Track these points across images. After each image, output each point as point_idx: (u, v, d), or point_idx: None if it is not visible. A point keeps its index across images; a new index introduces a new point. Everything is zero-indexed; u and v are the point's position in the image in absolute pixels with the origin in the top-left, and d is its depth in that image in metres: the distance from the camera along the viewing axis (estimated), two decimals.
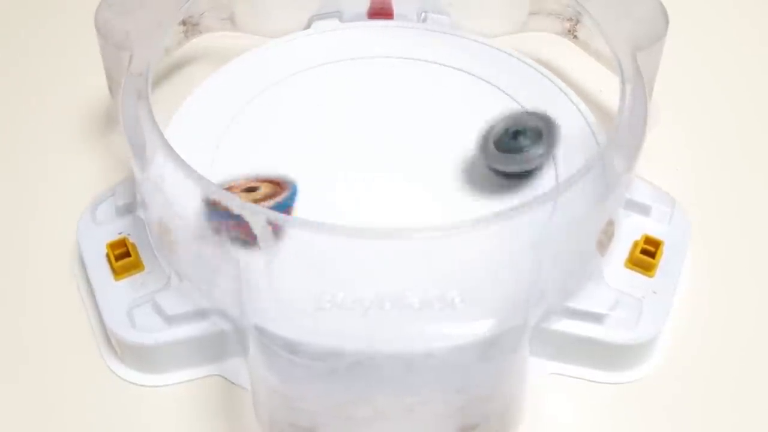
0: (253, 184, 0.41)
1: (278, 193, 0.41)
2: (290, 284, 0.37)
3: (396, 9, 0.52)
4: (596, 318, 0.40)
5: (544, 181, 0.44)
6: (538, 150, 0.42)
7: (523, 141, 0.42)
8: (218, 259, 0.38)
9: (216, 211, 0.37)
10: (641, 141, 0.40)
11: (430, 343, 0.36)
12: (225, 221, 0.37)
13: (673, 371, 0.42)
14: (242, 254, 0.37)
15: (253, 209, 0.36)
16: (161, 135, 0.40)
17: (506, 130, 0.43)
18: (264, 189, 0.41)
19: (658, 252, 0.42)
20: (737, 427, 0.40)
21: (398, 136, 0.46)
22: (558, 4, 0.50)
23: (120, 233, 0.43)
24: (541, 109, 0.43)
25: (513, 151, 0.42)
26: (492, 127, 0.43)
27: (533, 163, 0.43)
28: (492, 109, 0.47)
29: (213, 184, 0.37)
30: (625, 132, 0.40)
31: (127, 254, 0.42)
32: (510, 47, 0.50)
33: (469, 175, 0.44)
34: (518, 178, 0.43)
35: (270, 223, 0.36)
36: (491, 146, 0.43)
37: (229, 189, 0.40)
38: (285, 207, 0.41)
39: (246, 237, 0.36)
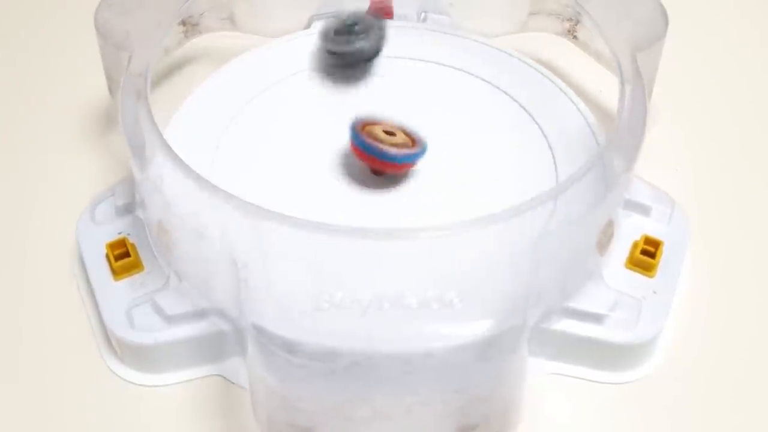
0: (393, 130, 0.43)
1: (411, 146, 0.43)
2: (289, 284, 0.37)
3: (396, 9, 0.52)
4: (596, 318, 0.40)
5: (544, 181, 0.44)
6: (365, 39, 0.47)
7: (355, 30, 0.47)
8: (217, 259, 0.38)
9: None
10: (641, 141, 0.40)
11: (428, 343, 0.36)
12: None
13: (673, 371, 0.42)
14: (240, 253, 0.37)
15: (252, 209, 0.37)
16: (161, 135, 0.40)
17: (343, 22, 0.48)
18: (400, 137, 0.43)
19: (658, 252, 0.42)
20: (737, 427, 0.40)
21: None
22: (558, 4, 0.50)
23: (119, 233, 0.43)
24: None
25: (345, 35, 0.48)
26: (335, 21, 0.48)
27: (357, 46, 0.47)
28: (492, 109, 0.47)
29: None
30: (624, 132, 0.40)
31: (127, 254, 0.42)
32: (510, 47, 0.50)
33: (432, 121, 0.46)
34: (348, 62, 0.48)
35: (263, 217, 0.36)
36: (330, 33, 0.48)
37: (372, 125, 0.43)
38: (413, 159, 0.43)
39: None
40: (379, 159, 0.43)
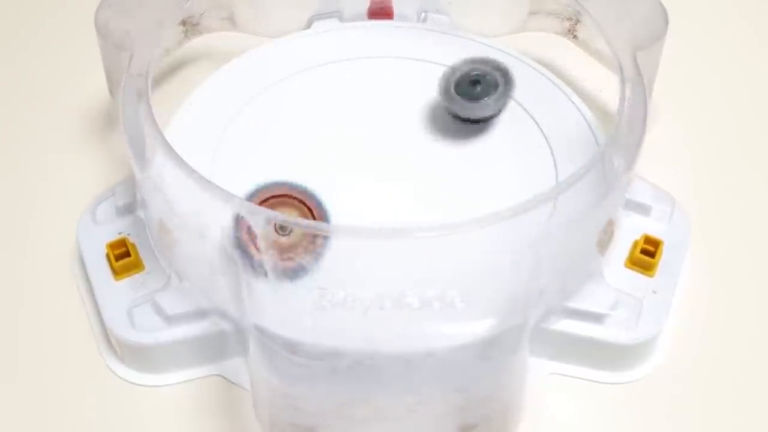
0: (287, 221, 0.36)
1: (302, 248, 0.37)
2: (290, 284, 0.37)
3: (396, 9, 0.52)
4: (596, 318, 0.40)
5: (545, 181, 0.44)
6: (496, 99, 0.45)
7: (481, 89, 0.45)
8: (218, 259, 0.38)
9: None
10: (641, 141, 0.40)
11: (430, 343, 0.36)
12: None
13: (673, 371, 0.42)
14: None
15: (251, 209, 0.36)
16: (161, 135, 0.40)
17: (467, 77, 0.45)
18: (296, 232, 0.37)
19: (658, 252, 0.42)
20: (737, 426, 0.40)
21: (398, 136, 0.46)
22: (558, 4, 0.50)
23: (120, 233, 0.43)
24: (499, 60, 0.46)
25: (472, 98, 0.45)
26: (453, 72, 0.45)
27: (489, 111, 0.45)
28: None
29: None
30: (625, 132, 0.40)
31: (127, 254, 0.42)
32: (510, 47, 0.50)
33: (432, 121, 0.46)
34: (475, 123, 0.46)
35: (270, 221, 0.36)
36: (452, 91, 0.45)
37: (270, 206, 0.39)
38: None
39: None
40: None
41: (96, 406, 0.41)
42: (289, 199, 0.39)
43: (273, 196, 0.39)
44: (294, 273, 0.36)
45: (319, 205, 0.40)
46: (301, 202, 0.40)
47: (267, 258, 0.35)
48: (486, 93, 0.45)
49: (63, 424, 0.40)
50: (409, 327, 0.36)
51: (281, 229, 0.36)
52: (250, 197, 0.39)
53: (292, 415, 0.37)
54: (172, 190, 0.39)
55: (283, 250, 0.36)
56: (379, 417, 0.37)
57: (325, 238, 0.36)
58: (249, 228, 0.36)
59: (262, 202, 0.39)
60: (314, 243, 0.36)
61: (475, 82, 0.45)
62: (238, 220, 0.36)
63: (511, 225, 0.36)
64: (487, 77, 0.45)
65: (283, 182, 0.40)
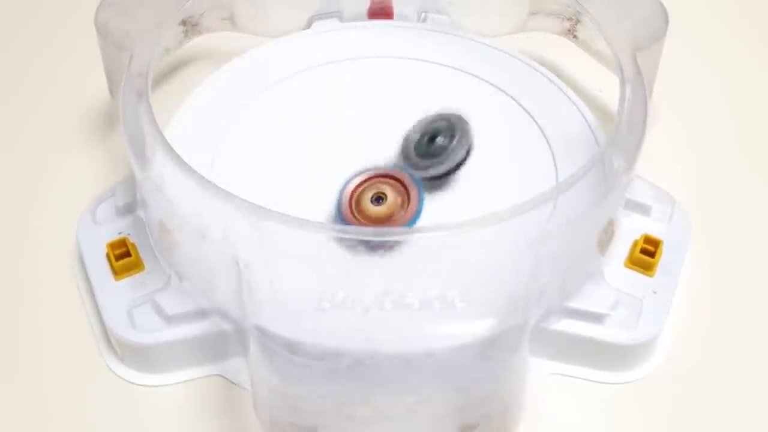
0: (383, 190, 0.41)
1: (401, 213, 0.41)
2: (290, 284, 0.37)
3: (396, 9, 0.52)
4: (596, 318, 0.40)
5: (545, 181, 0.44)
6: (456, 148, 0.43)
7: (440, 143, 0.43)
8: (218, 259, 0.38)
9: None
10: (641, 141, 0.40)
11: (430, 343, 0.36)
12: None
13: (673, 371, 0.42)
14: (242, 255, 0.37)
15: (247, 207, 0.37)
16: (162, 135, 0.40)
17: (422, 137, 0.43)
18: (390, 199, 0.41)
19: (658, 251, 0.42)
20: (737, 426, 0.40)
21: (398, 136, 0.46)
22: (558, 4, 0.50)
23: (120, 233, 0.43)
24: (452, 109, 0.44)
25: (434, 156, 0.43)
26: (408, 138, 0.44)
27: (455, 161, 0.43)
28: (492, 109, 0.47)
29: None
30: (625, 132, 0.40)
31: (127, 254, 0.42)
32: (510, 47, 0.50)
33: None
34: (446, 176, 0.44)
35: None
36: (413, 156, 0.43)
37: (362, 187, 0.41)
38: (401, 235, 0.38)
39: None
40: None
41: (96, 406, 0.41)
42: (389, 179, 0.42)
43: (376, 176, 0.42)
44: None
45: (419, 191, 0.41)
46: (400, 182, 0.42)
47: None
48: (443, 148, 0.43)
49: (63, 424, 0.40)
50: (409, 327, 0.36)
51: (376, 200, 0.41)
52: (350, 179, 0.42)
53: (292, 415, 0.37)
54: (172, 191, 0.39)
55: (377, 220, 0.40)
56: (380, 417, 0.37)
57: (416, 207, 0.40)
58: (352, 200, 0.40)
59: (365, 181, 0.41)
60: (405, 211, 0.40)
61: (432, 138, 0.43)
62: (343, 193, 0.40)
63: (511, 225, 0.36)
64: (443, 132, 0.43)
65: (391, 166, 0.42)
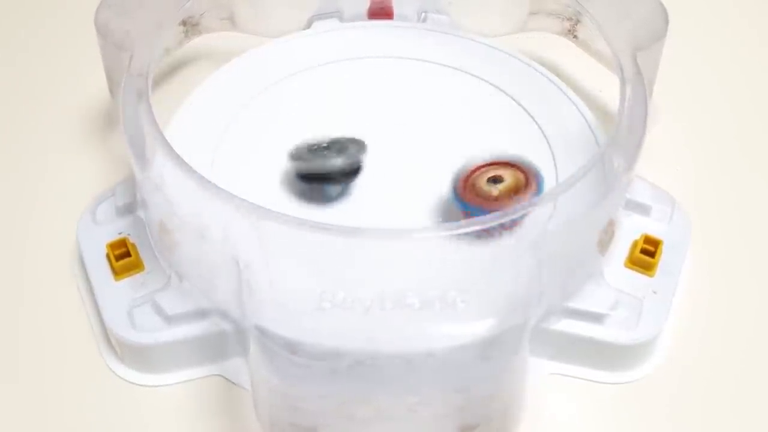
0: (498, 172, 0.41)
1: (523, 188, 0.41)
2: (290, 284, 0.37)
3: (396, 9, 0.52)
4: (596, 318, 0.40)
5: (544, 181, 0.44)
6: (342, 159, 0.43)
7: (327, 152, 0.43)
8: (218, 259, 0.38)
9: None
10: (641, 141, 0.40)
11: (430, 343, 0.36)
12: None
13: (673, 371, 0.42)
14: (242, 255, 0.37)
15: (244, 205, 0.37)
16: (162, 135, 0.40)
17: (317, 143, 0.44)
18: (508, 178, 0.41)
19: (658, 251, 0.42)
20: (737, 426, 0.40)
21: (398, 136, 0.46)
22: (558, 4, 0.50)
23: (120, 233, 0.43)
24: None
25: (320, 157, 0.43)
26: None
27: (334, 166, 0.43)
28: (492, 109, 0.47)
29: None
30: (625, 132, 0.40)
31: (127, 254, 0.42)
32: (510, 47, 0.50)
33: (432, 121, 0.45)
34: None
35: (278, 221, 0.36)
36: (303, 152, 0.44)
37: (477, 172, 0.41)
38: (529, 208, 0.38)
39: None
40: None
41: (96, 406, 0.41)
42: (509, 166, 0.41)
43: (494, 163, 0.41)
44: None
45: (537, 175, 0.41)
46: (519, 169, 0.41)
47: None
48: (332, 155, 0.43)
49: (63, 424, 0.40)
50: (410, 327, 0.36)
51: (493, 181, 0.40)
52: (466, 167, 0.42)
53: (292, 415, 0.37)
54: (172, 191, 0.39)
55: (491, 200, 0.40)
56: (380, 417, 0.37)
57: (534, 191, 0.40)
58: (467, 180, 0.41)
59: (482, 167, 0.41)
60: (520, 195, 0.40)
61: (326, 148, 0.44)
62: (459, 175, 0.41)
63: (511, 225, 0.36)
64: (337, 144, 0.44)
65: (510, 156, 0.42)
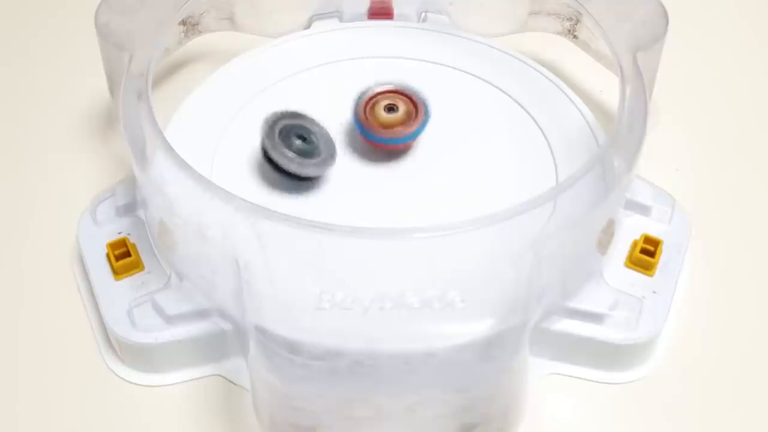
0: (395, 101, 0.44)
1: (412, 121, 0.44)
2: (290, 284, 0.37)
3: (396, 9, 0.52)
4: (596, 318, 0.40)
5: (545, 181, 0.44)
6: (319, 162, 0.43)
7: (306, 147, 0.43)
8: (218, 259, 0.38)
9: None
10: (641, 141, 0.40)
11: (430, 343, 0.36)
12: None
13: (673, 371, 0.42)
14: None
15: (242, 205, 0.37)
16: (161, 135, 0.40)
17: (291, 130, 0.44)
18: (402, 109, 0.44)
19: (658, 251, 0.42)
20: (737, 426, 0.40)
21: None
22: (558, 4, 0.50)
23: (120, 233, 0.43)
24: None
25: (299, 154, 0.43)
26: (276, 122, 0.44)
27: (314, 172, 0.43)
28: (492, 109, 0.47)
29: None
30: (625, 132, 0.40)
31: (127, 254, 0.42)
32: (510, 47, 0.50)
33: (432, 121, 0.45)
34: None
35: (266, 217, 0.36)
36: (277, 139, 0.43)
37: (376, 98, 0.45)
38: (414, 137, 0.45)
39: None
40: (377, 143, 0.45)
41: (96, 406, 0.41)
42: (398, 94, 0.45)
43: (386, 91, 0.45)
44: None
45: (424, 104, 0.45)
46: (408, 98, 0.45)
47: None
48: (311, 153, 0.43)
49: (63, 424, 0.40)
50: (410, 327, 0.36)
51: (388, 109, 0.44)
52: (361, 96, 0.45)
53: (292, 415, 0.37)
54: (172, 190, 0.39)
55: (387, 125, 0.44)
56: (379, 417, 0.37)
57: (424, 115, 0.44)
58: (366, 107, 0.44)
59: (375, 95, 0.45)
60: (414, 120, 0.44)
61: (301, 138, 0.43)
62: (358, 102, 0.44)
63: (511, 225, 0.36)
64: (312, 137, 0.44)
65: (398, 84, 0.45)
